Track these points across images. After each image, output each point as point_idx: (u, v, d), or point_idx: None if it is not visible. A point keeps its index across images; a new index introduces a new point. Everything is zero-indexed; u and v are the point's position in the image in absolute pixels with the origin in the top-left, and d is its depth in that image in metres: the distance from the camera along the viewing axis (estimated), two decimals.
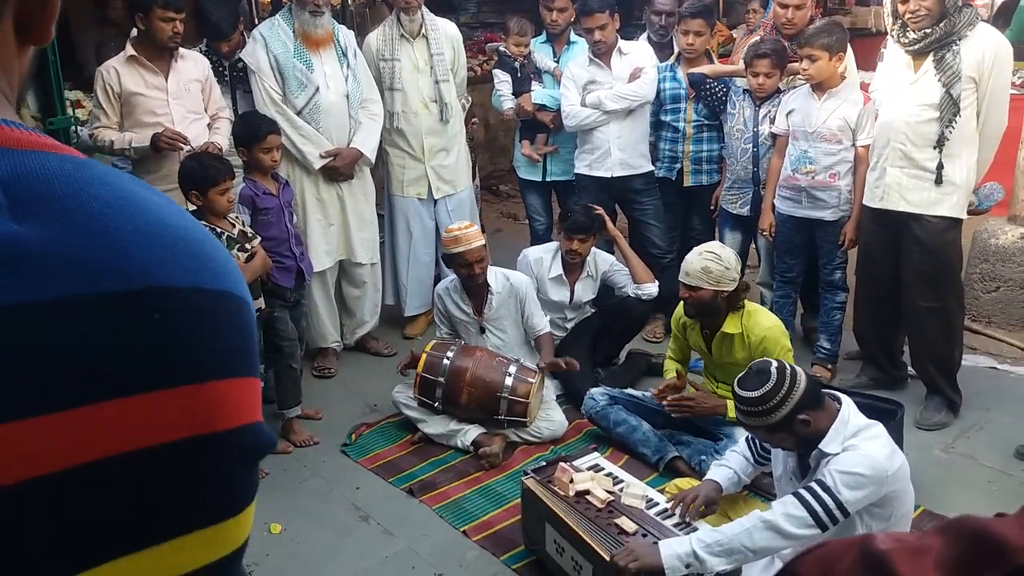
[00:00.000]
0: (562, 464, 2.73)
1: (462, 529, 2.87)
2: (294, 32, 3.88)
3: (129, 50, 3.60)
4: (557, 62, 4.50)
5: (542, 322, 3.68)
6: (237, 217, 3.29)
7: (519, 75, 4.49)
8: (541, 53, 4.54)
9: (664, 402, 3.19)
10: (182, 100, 3.66)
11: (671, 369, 3.29)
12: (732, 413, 3.01)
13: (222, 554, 0.55)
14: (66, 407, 0.47)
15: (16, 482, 0.46)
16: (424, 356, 3.39)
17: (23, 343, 0.46)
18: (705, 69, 4.14)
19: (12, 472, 0.45)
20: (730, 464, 2.61)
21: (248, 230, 3.29)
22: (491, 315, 3.61)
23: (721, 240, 3.93)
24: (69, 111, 4.61)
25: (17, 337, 0.46)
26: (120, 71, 3.56)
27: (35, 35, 0.56)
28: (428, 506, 3.01)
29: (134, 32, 3.84)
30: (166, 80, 3.62)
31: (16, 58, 0.56)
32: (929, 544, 0.60)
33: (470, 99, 4.74)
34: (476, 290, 3.58)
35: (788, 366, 2.27)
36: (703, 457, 3.07)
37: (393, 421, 3.56)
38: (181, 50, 3.69)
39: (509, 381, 3.30)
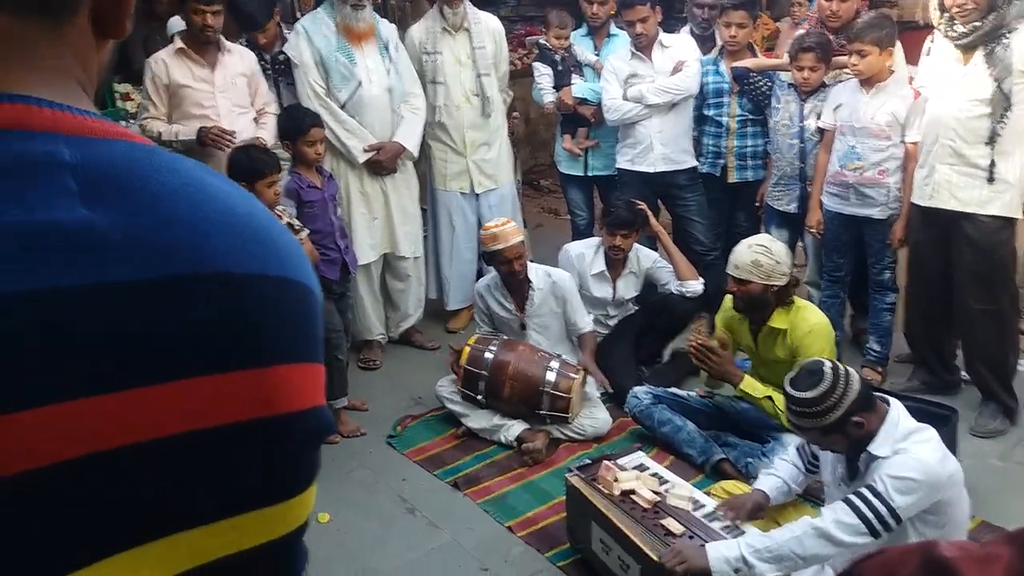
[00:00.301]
0: (606, 462, 2.73)
1: (507, 524, 2.89)
2: (336, 26, 3.89)
3: (178, 43, 3.65)
4: (598, 55, 4.48)
5: (585, 320, 3.67)
6: (284, 209, 3.33)
7: (560, 68, 4.48)
8: (582, 46, 4.52)
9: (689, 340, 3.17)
10: (228, 93, 3.71)
11: None
12: (745, 387, 3.00)
13: (284, 531, 0.57)
14: (135, 386, 0.49)
15: (88, 453, 0.48)
16: (467, 349, 3.41)
17: (95, 324, 0.48)
18: (749, 63, 4.10)
19: (88, 444, 0.48)
20: (779, 473, 2.59)
21: (295, 222, 3.32)
22: (532, 312, 3.62)
23: None
24: (119, 103, 4.70)
25: (89, 318, 0.48)
26: (168, 63, 3.61)
27: (112, 30, 0.58)
28: (472, 500, 3.04)
29: (180, 25, 3.89)
30: (213, 73, 3.66)
31: (95, 52, 0.58)
32: (997, 553, 0.60)
33: (511, 94, 4.73)
34: (517, 286, 3.58)
35: (841, 366, 2.25)
36: (749, 459, 3.05)
37: (437, 414, 3.59)
38: (228, 44, 3.74)
39: (551, 376, 3.31)
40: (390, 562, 2.72)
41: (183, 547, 0.51)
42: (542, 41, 4.58)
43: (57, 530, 0.47)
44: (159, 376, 0.49)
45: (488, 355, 3.38)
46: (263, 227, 0.56)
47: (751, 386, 3.04)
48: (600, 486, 2.65)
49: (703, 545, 2.30)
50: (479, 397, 3.38)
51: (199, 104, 3.64)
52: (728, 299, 3.16)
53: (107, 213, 0.49)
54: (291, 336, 0.55)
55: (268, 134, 3.74)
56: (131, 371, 0.48)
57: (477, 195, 4.35)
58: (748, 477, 2.93)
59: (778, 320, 3.03)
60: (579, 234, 4.53)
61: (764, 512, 2.54)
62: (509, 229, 3.51)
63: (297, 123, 3.59)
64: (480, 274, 4.14)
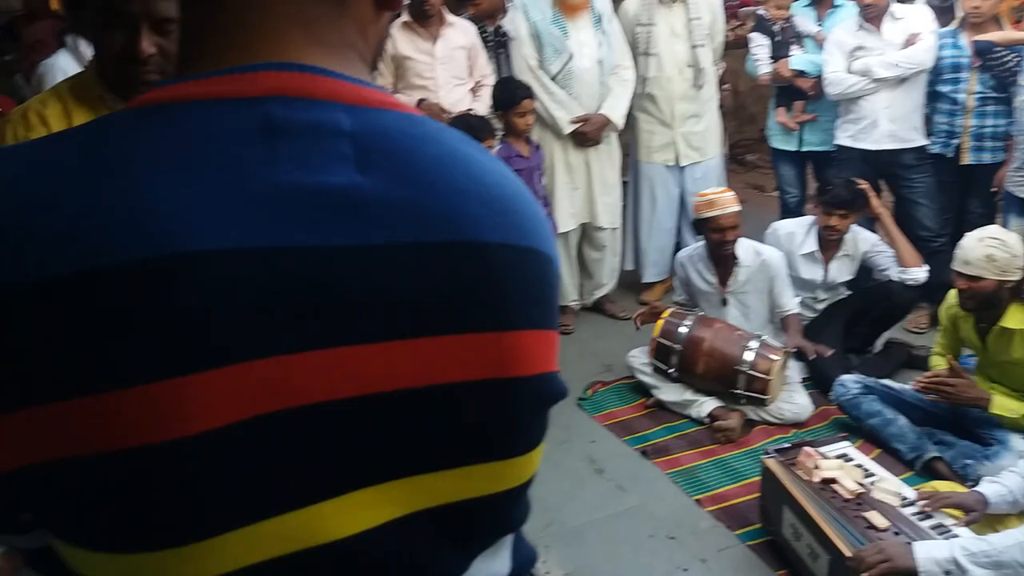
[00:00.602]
0: (807, 448, 2.63)
1: (695, 497, 2.87)
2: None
3: (404, 16, 3.87)
4: (820, 26, 4.27)
5: (791, 302, 3.52)
6: None
7: (778, 40, 4.32)
8: (803, 16, 4.33)
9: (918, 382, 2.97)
10: (448, 65, 3.88)
11: (939, 365, 3.04)
12: (997, 409, 2.76)
13: (510, 486, 0.60)
14: (389, 339, 0.53)
15: (344, 397, 0.52)
16: (661, 322, 3.39)
17: (359, 281, 0.52)
18: (995, 36, 3.73)
19: (342, 389, 0.52)
20: (1005, 483, 2.37)
21: None
22: (736, 288, 3.53)
23: (1005, 227, 3.55)
24: None
25: (356, 275, 0.52)
26: (395, 36, 3.84)
27: (389, 2, 0.62)
28: (661, 469, 3.04)
29: None
30: (434, 45, 3.85)
31: (374, 24, 0.62)
32: None
33: (724, 65, 4.61)
34: (723, 259, 3.50)
35: None
36: (968, 461, 2.80)
37: (627, 383, 3.61)
38: (450, 17, 3.92)
39: (749, 356, 3.22)
40: (579, 518, 2.80)
41: (418, 489, 0.56)
42: (760, 11, 4.43)
43: (313, 462, 0.52)
44: (411, 332, 0.53)
45: (683, 329, 3.34)
46: (511, 197, 0.59)
47: (1004, 407, 2.77)
48: (798, 471, 2.56)
49: (909, 543, 2.18)
50: (671, 371, 3.37)
51: (420, 75, 3.85)
52: (953, 294, 2.93)
53: (377, 179, 0.53)
54: (531, 303, 0.58)
55: (482, 105, 3.89)
56: (387, 325, 0.52)
57: (682, 168, 4.29)
58: (965, 480, 2.71)
59: (1013, 319, 2.75)
60: (788, 212, 4.36)
61: (979, 516, 2.35)
62: (727, 197, 3.43)
63: (510, 95, 3.73)
64: (679, 248, 4.10)
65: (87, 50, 2.84)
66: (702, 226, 3.48)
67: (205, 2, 0.57)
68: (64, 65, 2.85)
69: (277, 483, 0.51)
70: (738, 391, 3.23)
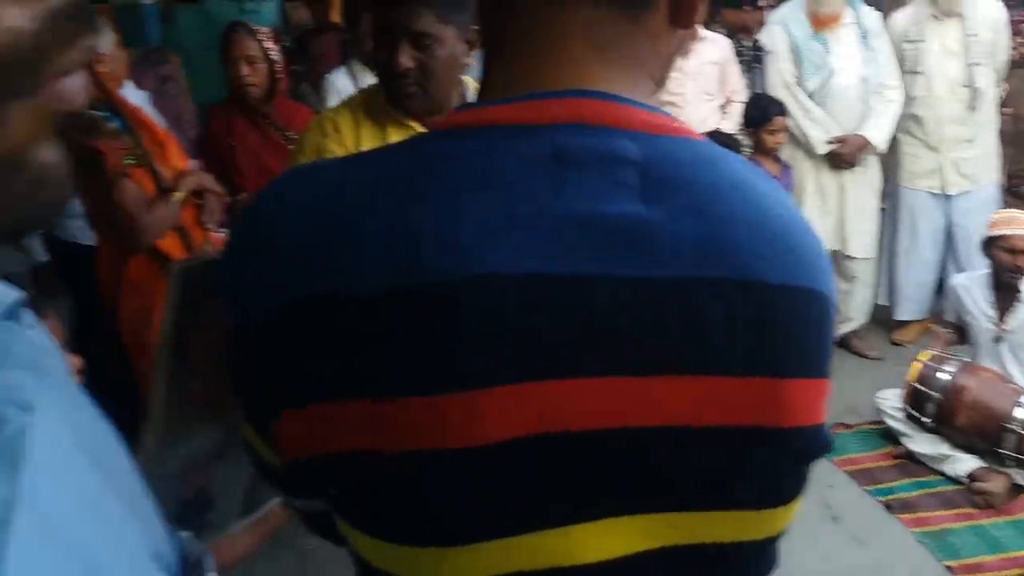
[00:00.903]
0: None
1: (946, 563, 2.63)
2: (806, 13, 3.79)
3: None
4: None
5: None
6: None
7: None
8: None
9: None
10: (698, 81, 3.84)
11: None
12: None
13: (759, 537, 0.58)
14: (664, 373, 0.52)
15: (609, 428, 0.52)
16: (919, 365, 3.12)
17: (639, 312, 0.51)
18: None
19: (609, 418, 0.51)
20: None
21: None
22: (1016, 327, 3.14)
23: None
24: None
25: (635, 306, 0.51)
26: None
27: (685, 19, 0.58)
28: (906, 527, 2.81)
29: None
30: (685, 60, 3.81)
31: (666, 39, 0.59)
32: None
33: (1007, 86, 4.17)
34: (1007, 289, 3.14)
35: None
36: None
37: (873, 428, 3.36)
38: (703, 32, 3.85)
39: (1022, 413, 2.88)
40: (810, 567, 2.65)
41: (669, 525, 0.55)
42: None
43: (574, 485, 0.53)
44: (683, 369, 0.52)
45: (943, 376, 3.05)
46: (794, 234, 0.56)
47: None
48: None
49: None
50: (926, 420, 3.08)
51: (669, 90, 3.80)
52: None
53: (660, 210, 0.52)
54: (807, 349, 0.55)
55: (731, 123, 3.81)
56: (662, 360, 0.52)
57: (948, 197, 3.92)
58: None
59: None
60: None
61: None
62: None
63: (762, 111, 3.64)
64: (941, 286, 3.74)
65: (361, 70, 3.12)
66: (991, 245, 3.15)
67: (498, 21, 0.58)
68: (340, 84, 3.16)
69: (540, 501, 0.53)
70: (1004, 451, 2.91)
